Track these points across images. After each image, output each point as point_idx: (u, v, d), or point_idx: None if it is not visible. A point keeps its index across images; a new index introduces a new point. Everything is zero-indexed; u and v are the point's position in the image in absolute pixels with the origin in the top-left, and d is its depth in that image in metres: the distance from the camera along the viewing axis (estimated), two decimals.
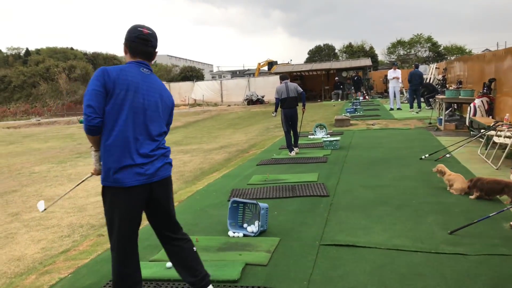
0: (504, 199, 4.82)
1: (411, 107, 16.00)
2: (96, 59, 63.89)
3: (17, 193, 7.84)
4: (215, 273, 3.31)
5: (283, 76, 8.86)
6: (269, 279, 3.23)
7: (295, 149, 8.77)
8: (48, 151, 14.25)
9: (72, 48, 65.55)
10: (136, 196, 2.53)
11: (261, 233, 4.22)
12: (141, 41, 2.65)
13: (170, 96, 2.80)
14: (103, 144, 2.51)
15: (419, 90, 16.00)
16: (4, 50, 63.22)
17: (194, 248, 2.86)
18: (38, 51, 59.72)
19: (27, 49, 60.70)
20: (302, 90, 8.65)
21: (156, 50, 2.77)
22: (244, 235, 4.21)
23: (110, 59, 67.95)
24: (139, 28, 2.66)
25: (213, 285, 3.12)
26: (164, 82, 41.25)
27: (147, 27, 2.70)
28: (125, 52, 2.69)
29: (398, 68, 17.87)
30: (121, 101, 2.49)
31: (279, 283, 3.15)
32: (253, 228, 4.29)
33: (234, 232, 4.27)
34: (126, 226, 2.57)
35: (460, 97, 10.87)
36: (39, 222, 5.85)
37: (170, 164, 2.72)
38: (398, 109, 16.69)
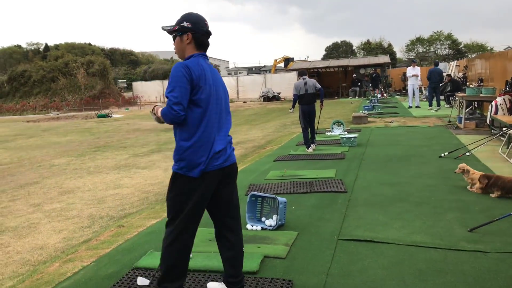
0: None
1: (430, 104, 15.82)
2: (113, 55, 64.60)
3: (38, 185, 8.01)
4: None
5: (302, 72, 8.81)
6: (287, 271, 3.25)
7: (312, 145, 8.75)
8: (67, 145, 14.48)
9: (90, 44, 66.40)
10: (211, 180, 2.60)
11: (279, 227, 4.24)
12: (207, 35, 2.70)
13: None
14: (188, 139, 2.55)
15: (438, 87, 15.80)
16: (24, 45, 64.43)
17: (244, 249, 2.89)
18: (57, 46, 60.62)
19: (46, 44, 61.67)
20: (320, 87, 8.62)
21: None
22: (262, 229, 4.25)
23: (127, 55, 68.62)
24: (205, 22, 2.70)
25: None
26: None
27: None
28: (187, 41, 2.65)
29: (417, 66, 17.66)
30: (206, 96, 2.56)
31: (297, 275, 3.17)
32: (271, 222, 4.32)
33: (252, 226, 4.31)
34: (197, 209, 2.62)
35: (481, 95, 10.71)
36: (60, 213, 5.97)
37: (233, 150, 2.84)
38: (417, 107, 16.50)
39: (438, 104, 15.55)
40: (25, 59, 54.03)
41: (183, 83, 2.47)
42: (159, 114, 2.60)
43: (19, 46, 66.11)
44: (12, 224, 5.49)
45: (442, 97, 16.30)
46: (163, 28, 2.73)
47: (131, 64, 63.64)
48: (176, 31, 2.66)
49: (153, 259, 3.57)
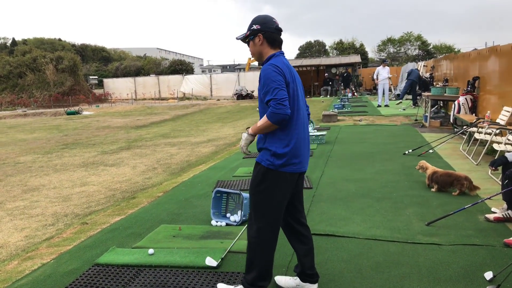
0: (453, 190, 5.05)
1: (402, 98, 16.14)
2: (84, 51, 63.26)
3: (1, 183, 7.80)
4: (196, 259, 3.37)
5: None
6: None
7: None
8: (34, 142, 14.12)
9: (60, 39, 64.85)
10: (292, 180, 2.70)
11: (243, 223, 4.28)
12: (278, 32, 2.72)
13: None
14: (284, 136, 2.61)
15: (415, 85, 16.19)
16: None
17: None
18: (25, 41, 58.92)
19: (13, 39, 59.89)
20: None
21: None
22: (227, 224, 4.28)
23: (98, 51, 67.32)
24: (273, 20, 2.72)
25: (193, 271, 3.19)
26: (153, 75, 41.08)
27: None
28: (260, 42, 2.69)
29: (387, 66, 18.03)
30: (293, 96, 2.61)
31: None
32: (235, 217, 4.35)
33: (217, 222, 4.33)
34: (282, 207, 2.70)
35: (445, 94, 11.03)
36: (23, 211, 5.85)
37: None
38: (386, 106, 16.86)
39: (415, 102, 15.94)
40: None
41: (281, 81, 2.50)
42: (254, 129, 2.69)
43: None
44: None
45: (410, 97, 16.71)
46: (237, 38, 2.79)
47: (103, 61, 62.47)
48: (248, 36, 2.72)
49: (114, 256, 3.55)
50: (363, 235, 3.83)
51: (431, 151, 7.55)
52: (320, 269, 3.18)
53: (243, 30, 2.80)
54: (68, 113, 26.67)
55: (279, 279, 3.01)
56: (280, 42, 2.73)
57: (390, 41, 49.61)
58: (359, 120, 12.99)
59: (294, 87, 2.62)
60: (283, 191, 2.66)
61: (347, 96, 22.90)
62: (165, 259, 3.40)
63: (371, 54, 52.75)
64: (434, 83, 16.98)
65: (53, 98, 37.01)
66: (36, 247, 4.17)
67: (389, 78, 17.22)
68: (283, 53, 2.73)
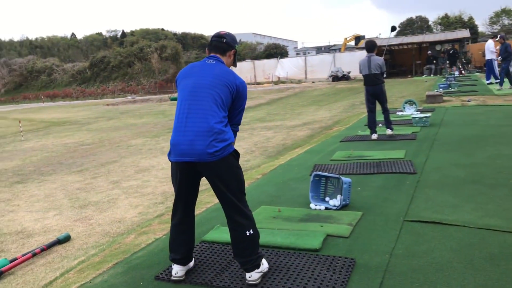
0: None
1: (501, 84, 14.45)
2: (185, 39, 66.54)
3: (117, 164, 8.59)
4: (297, 241, 3.42)
5: (368, 47, 7.55)
6: (350, 250, 3.26)
7: (387, 130, 7.88)
8: (143, 126, 15.31)
9: (163, 29, 68.91)
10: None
11: (343, 207, 4.23)
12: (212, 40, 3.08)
13: None
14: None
15: None
16: (104, 33, 68.31)
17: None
18: (132, 33, 63.66)
19: (123, 31, 65.01)
20: (385, 70, 7.58)
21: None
22: (326, 208, 4.26)
23: (198, 39, 70.35)
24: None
25: (294, 253, 3.24)
26: (248, 60, 41.88)
27: None
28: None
29: (496, 40, 16.31)
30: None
31: (360, 254, 3.17)
32: (335, 201, 4.31)
33: (316, 205, 4.33)
34: None
35: None
36: (136, 189, 6.39)
37: None
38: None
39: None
40: (104, 46, 57.43)
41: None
42: None
43: (99, 34, 70.26)
44: (94, 199, 5.98)
45: None
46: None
47: (202, 48, 65.17)
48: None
49: (219, 234, 3.74)
50: (474, 224, 3.56)
51: None
52: (426, 257, 3.04)
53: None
54: (172, 99, 28.40)
55: None
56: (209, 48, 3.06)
57: (505, 12, 44.76)
58: (468, 100, 12.01)
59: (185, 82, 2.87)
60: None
61: (454, 74, 21.26)
62: (266, 239, 3.49)
63: (481, 28, 48.23)
64: None
65: (158, 85, 39.64)
66: (149, 223, 4.55)
67: (495, 53, 15.52)
68: (209, 57, 2.99)
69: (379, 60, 7.41)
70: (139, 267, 3.34)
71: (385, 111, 7.84)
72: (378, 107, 7.76)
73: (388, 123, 7.89)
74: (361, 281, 2.79)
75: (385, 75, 7.70)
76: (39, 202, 6.06)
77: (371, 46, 7.52)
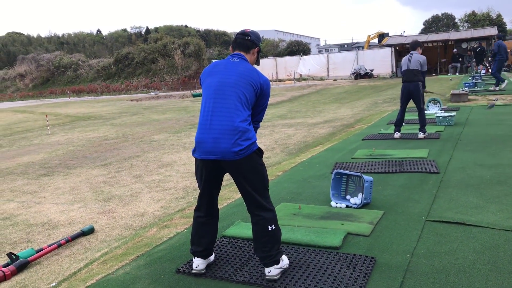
0: None
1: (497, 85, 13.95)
2: (207, 35, 66.89)
3: (139, 158, 8.72)
4: (317, 239, 3.42)
5: (412, 45, 7.60)
6: (370, 248, 3.24)
7: (419, 133, 7.56)
8: (166, 122, 15.49)
9: (186, 26, 69.44)
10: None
11: (364, 206, 4.21)
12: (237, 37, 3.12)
13: None
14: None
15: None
16: (128, 30, 69.30)
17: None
18: (156, 29, 64.37)
19: (147, 27, 65.80)
20: (426, 69, 7.50)
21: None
22: (347, 206, 4.24)
23: (220, 36, 70.67)
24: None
25: (314, 250, 3.24)
26: (271, 57, 41.82)
27: None
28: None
29: None
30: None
31: (381, 253, 3.15)
32: (356, 200, 4.29)
33: (336, 203, 4.32)
34: None
35: None
36: (158, 184, 6.48)
37: None
38: None
39: None
40: (129, 42, 58.29)
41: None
42: None
43: (124, 30, 71.32)
44: (118, 193, 6.09)
45: None
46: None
47: (224, 45, 65.48)
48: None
49: (240, 229, 3.77)
50: (499, 226, 3.49)
51: None
52: (449, 258, 3.00)
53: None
54: (194, 95, 28.65)
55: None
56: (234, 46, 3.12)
57: None
58: (494, 100, 11.72)
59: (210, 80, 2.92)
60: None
61: (480, 73, 20.77)
62: (287, 235, 3.50)
63: (510, 26, 46.96)
64: None
65: (181, 81, 39.97)
66: (171, 217, 4.61)
67: None
68: (233, 55, 3.03)
69: (420, 57, 7.40)
70: (160, 260, 3.40)
71: (419, 112, 7.58)
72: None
73: (421, 126, 7.60)
74: (381, 280, 2.78)
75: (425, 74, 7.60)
76: (64, 195, 6.22)
77: (414, 44, 7.63)
